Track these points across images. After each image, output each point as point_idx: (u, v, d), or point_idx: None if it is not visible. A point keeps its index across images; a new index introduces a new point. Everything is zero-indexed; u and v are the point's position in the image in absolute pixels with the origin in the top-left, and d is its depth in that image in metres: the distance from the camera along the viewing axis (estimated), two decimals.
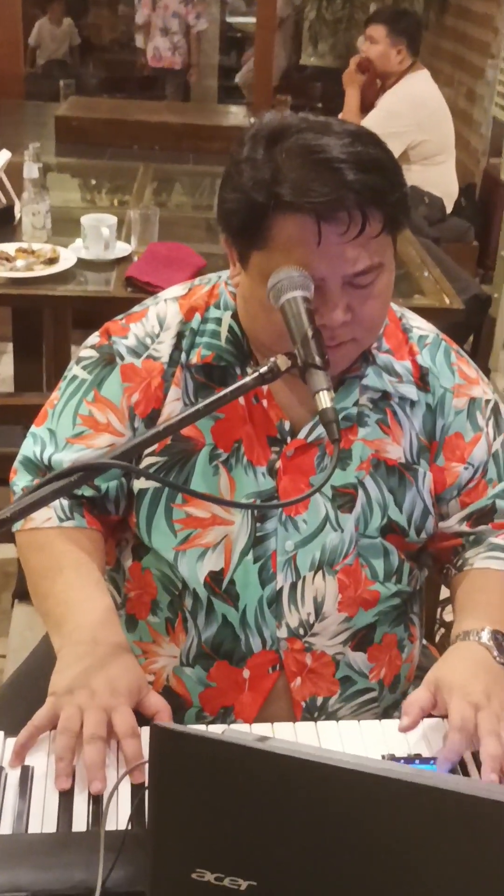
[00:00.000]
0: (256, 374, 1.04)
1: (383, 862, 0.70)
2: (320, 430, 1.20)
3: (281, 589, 1.22)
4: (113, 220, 2.69)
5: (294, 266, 1.07)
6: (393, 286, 1.18)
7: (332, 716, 1.27)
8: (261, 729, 1.13)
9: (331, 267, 1.08)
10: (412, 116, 4.02)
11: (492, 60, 5.26)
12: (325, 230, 1.06)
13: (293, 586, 1.22)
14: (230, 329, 1.23)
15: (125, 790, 1.00)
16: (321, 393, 1.02)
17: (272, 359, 1.04)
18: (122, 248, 2.70)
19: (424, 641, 1.46)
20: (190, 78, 7.65)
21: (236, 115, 4.62)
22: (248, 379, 1.03)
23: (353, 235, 1.07)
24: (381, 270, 1.12)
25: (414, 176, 4.12)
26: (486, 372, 3.65)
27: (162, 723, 0.71)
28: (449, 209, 4.29)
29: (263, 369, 1.04)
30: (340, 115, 4.35)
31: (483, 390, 1.30)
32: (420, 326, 1.32)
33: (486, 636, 1.15)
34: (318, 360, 1.03)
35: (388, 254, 1.14)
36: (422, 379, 1.26)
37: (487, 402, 1.30)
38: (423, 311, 2.41)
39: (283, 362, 1.04)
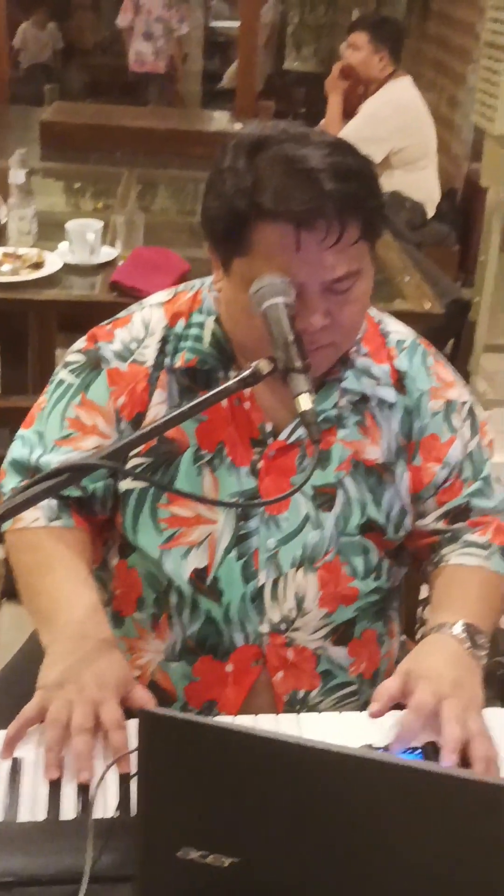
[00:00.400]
0: (239, 378, 1.08)
1: (362, 840, 0.74)
2: (301, 431, 1.24)
3: (263, 585, 1.26)
4: (98, 224, 2.73)
5: (275, 272, 1.10)
6: (371, 292, 1.22)
7: (314, 709, 1.30)
8: (244, 721, 1.16)
9: (310, 273, 1.12)
10: (394, 122, 4.07)
11: (472, 66, 5.32)
12: (304, 237, 1.10)
13: (275, 583, 1.26)
14: (213, 333, 1.27)
15: (112, 780, 1.03)
16: (302, 396, 1.06)
17: (254, 363, 1.08)
18: (107, 253, 2.73)
19: (404, 637, 1.50)
20: (174, 82, 7.68)
21: (220, 120, 4.65)
22: (230, 383, 1.07)
23: (331, 243, 1.11)
24: (359, 276, 1.16)
25: (396, 181, 4.17)
26: (467, 375, 3.69)
27: (150, 708, 0.74)
28: (431, 214, 4.35)
29: (246, 373, 1.08)
30: (323, 121, 4.40)
31: (459, 393, 1.34)
32: (398, 331, 1.36)
33: (458, 629, 1.19)
34: (298, 364, 1.07)
35: (366, 260, 1.18)
36: (399, 382, 1.30)
37: (464, 403, 1.34)
38: (403, 316, 2.45)
39: (264, 366, 1.08)
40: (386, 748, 1.10)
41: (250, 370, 1.08)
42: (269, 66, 8.35)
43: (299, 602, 1.26)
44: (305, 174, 1.09)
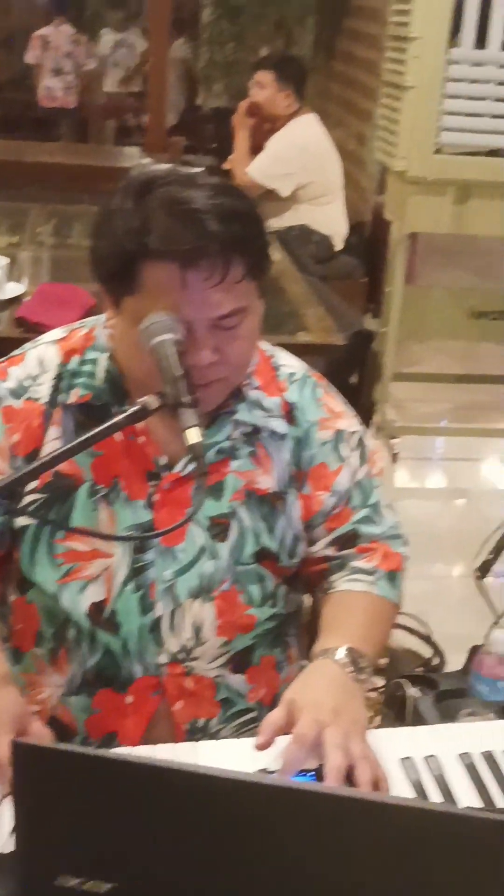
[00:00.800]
0: (127, 413, 1.11)
1: (239, 860, 0.76)
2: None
3: (161, 617, 1.28)
4: (4, 261, 2.73)
5: (163, 310, 1.14)
6: (260, 327, 1.26)
7: (215, 737, 1.32)
8: (143, 752, 1.18)
9: (197, 311, 1.16)
10: (299, 159, 4.17)
11: (376, 104, 5.47)
12: (190, 277, 1.13)
13: (172, 613, 1.28)
14: (107, 370, 1.29)
15: (8, 815, 1.04)
16: (190, 430, 1.09)
17: (142, 399, 1.11)
18: (13, 289, 2.74)
19: (305, 662, 1.53)
20: (85, 117, 7.73)
21: (130, 156, 4.70)
22: (119, 418, 1.10)
23: (216, 281, 1.14)
24: (246, 313, 1.20)
25: (303, 215, 4.27)
26: (373, 404, 3.78)
27: (20, 739, 0.76)
28: (339, 247, 4.45)
29: (134, 409, 1.11)
30: (231, 157, 4.48)
31: (349, 423, 1.39)
32: (289, 364, 1.40)
33: (341, 654, 1.22)
34: (186, 398, 1.11)
35: (253, 297, 1.22)
36: (289, 413, 1.34)
37: (353, 433, 1.39)
38: (307, 348, 2.54)
39: (152, 402, 1.11)
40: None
41: (138, 406, 1.11)
42: (182, 102, 8.47)
43: (197, 632, 1.29)
44: (190, 215, 1.13)
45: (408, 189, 3.79)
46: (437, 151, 3.71)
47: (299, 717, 1.12)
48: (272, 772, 1.12)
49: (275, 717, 1.14)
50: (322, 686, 1.18)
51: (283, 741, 1.13)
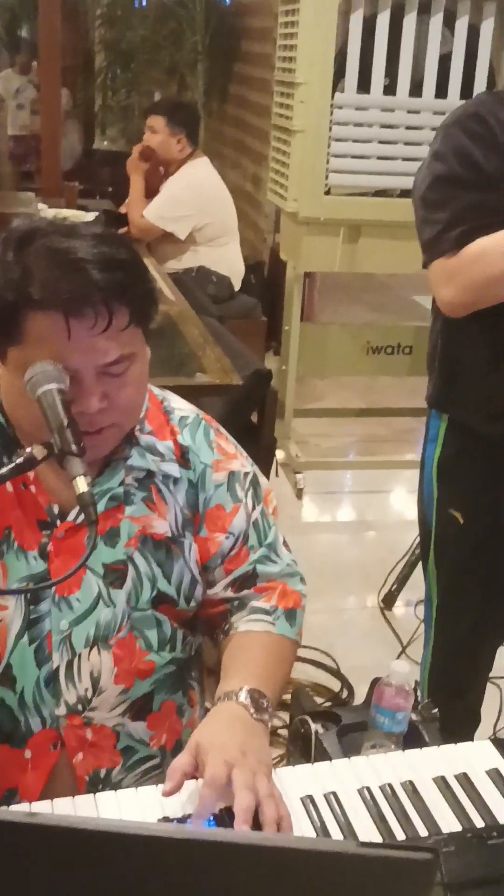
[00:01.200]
0: (13, 465, 1.10)
1: None
2: None
3: (58, 668, 1.26)
4: None
5: (48, 360, 1.14)
6: (147, 372, 1.27)
7: (117, 786, 1.31)
8: (41, 807, 1.15)
9: (83, 359, 1.16)
10: (194, 202, 4.22)
11: (269, 146, 5.59)
12: (74, 325, 1.14)
13: (69, 664, 1.27)
14: None
15: None
16: (78, 479, 1.09)
17: (28, 449, 1.11)
18: None
19: (209, 705, 1.52)
20: None
21: (25, 201, 4.68)
22: (4, 470, 1.09)
23: (101, 329, 1.15)
24: (133, 360, 1.21)
25: (201, 257, 4.32)
26: (275, 441, 3.82)
27: None
28: (237, 287, 4.51)
29: (20, 460, 1.10)
30: (127, 201, 4.51)
31: (241, 464, 1.41)
32: (181, 408, 1.41)
33: (243, 695, 1.22)
34: (74, 447, 1.10)
35: (140, 344, 1.23)
36: (183, 457, 1.35)
37: (246, 474, 1.40)
38: (205, 389, 2.55)
39: (38, 452, 1.10)
40: (184, 819, 1.12)
41: (24, 457, 1.10)
42: (79, 146, 8.49)
43: (95, 681, 1.28)
44: (73, 265, 1.14)
45: (301, 229, 3.88)
46: (327, 192, 3.81)
47: (207, 759, 1.12)
48: (172, 819, 1.12)
49: (181, 762, 1.13)
50: (226, 727, 1.18)
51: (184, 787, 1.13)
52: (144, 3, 7.00)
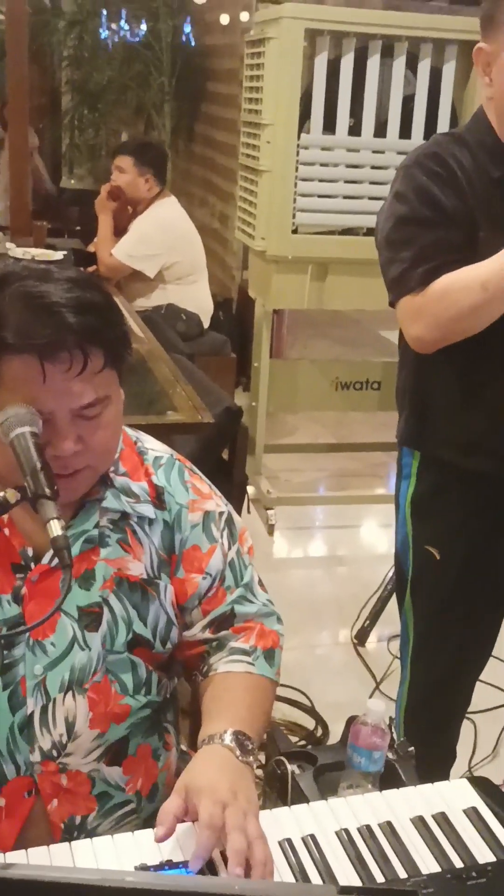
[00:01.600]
0: None
1: None
2: None
3: (32, 714, 1.25)
4: None
5: (21, 403, 1.14)
6: (122, 414, 1.27)
7: (92, 833, 1.29)
8: (16, 857, 1.13)
9: (57, 402, 1.16)
10: (162, 240, 4.25)
11: (236, 185, 5.65)
12: (48, 369, 1.14)
13: (44, 709, 1.25)
14: None
15: None
16: (52, 522, 1.08)
17: (1, 492, 1.10)
18: None
19: (184, 747, 1.51)
20: None
21: None
22: None
23: (76, 372, 1.15)
24: (107, 402, 1.21)
25: (171, 295, 4.34)
26: (246, 478, 3.82)
27: None
28: (207, 324, 4.53)
29: None
30: (95, 240, 4.53)
31: (216, 503, 1.41)
32: (155, 448, 1.41)
33: (228, 738, 1.21)
34: (47, 491, 1.10)
35: (114, 386, 1.23)
36: (158, 497, 1.35)
37: (221, 514, 1.40)
38: (176, 427, 2.55)
39: (11, 496, 1.10)
40: (161, 866, 1.11)
41: None
42: (47, 184, 8.52)
43: (69, 726, 1.26)
44: (47, 309, 1.14)
45: (269, 268, 3.92)
46: (294, 231, 3.85)
47: (199, 801, 1.10)
48: (150, 866, 1.10)
49: (172, 805, 1.11)
50: (215, 769, 1.17)
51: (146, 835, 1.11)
52: (110, 47, 7.07)
